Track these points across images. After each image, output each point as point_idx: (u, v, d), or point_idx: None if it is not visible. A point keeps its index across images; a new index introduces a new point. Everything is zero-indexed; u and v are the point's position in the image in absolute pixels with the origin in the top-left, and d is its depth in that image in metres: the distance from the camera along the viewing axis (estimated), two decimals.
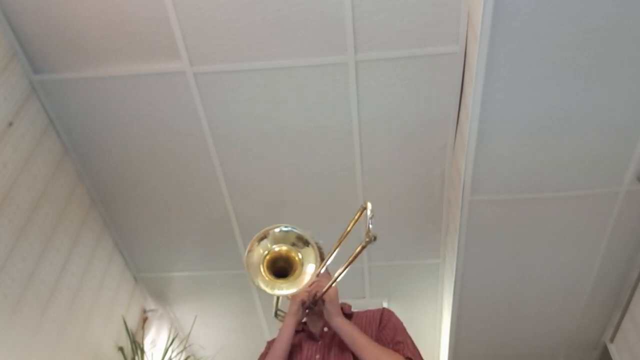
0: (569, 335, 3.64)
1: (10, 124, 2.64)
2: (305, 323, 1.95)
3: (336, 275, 1.79)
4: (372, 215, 1.69)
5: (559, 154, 2.59)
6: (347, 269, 1.76)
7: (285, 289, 1.84)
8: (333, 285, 1.82)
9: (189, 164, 3.12)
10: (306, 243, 1.87)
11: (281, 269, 1.88)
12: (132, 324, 3.66)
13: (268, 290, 1.83)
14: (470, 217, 2.87)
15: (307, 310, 1.87)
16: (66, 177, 3.08)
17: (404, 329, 1.87)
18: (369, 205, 1.73)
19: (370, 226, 1.64)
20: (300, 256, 1.87)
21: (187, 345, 4.03)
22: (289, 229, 1.89)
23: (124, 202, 3.35)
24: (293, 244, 1.88)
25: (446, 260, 3.54)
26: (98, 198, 3.32)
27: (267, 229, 1.90)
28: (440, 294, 3.86)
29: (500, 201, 2.80)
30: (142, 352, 3.52)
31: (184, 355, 3.83)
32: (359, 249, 1.67)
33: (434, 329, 4.14)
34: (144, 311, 3.89)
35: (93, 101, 2.87)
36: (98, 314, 3.28)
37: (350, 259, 1.72)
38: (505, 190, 2.76)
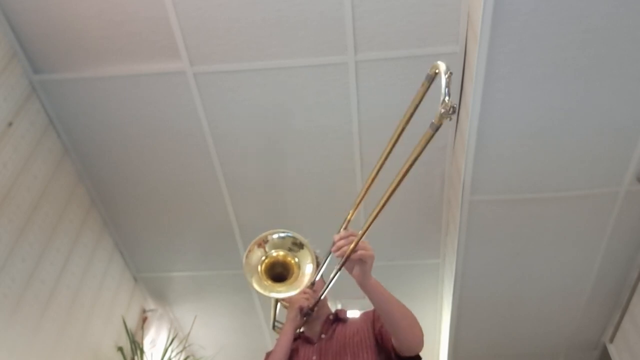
0: (569, 335, 3.64)
1: (10, 124, 2.64)
2: (302, 331, 1.96)
3: (369, 221, 1.49)
4: (450, 74, 1.19)
5: (559, 154, 2.59)
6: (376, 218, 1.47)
7: (284, 292, 1.84)
8: (367, 241, 1.56)
9: (189, 164, 3.12)
10: (301, 246, 1.88)
11: (279, 274, 1.89)
12: (132, 324, 3.65)
13: (266, 293, 1.84)
14: (470, 217, 2.87)
15: (305, 317, 1.88)
16: (66, 177, 3.08)
17: None
18: (442, 66, 1.20)
19: (447, 98, 1.16)
20: (297, 260, 1.88)
21: (186, 345, 4.03)
22: (286, 234, 1.90)
23: (124, 202, 3.35)
24: (289, 249, 1.89)
25: (446, 260, 3.54)
26: (98, 198, 3.32)
27: (265, 234, 1.90)
28: (440, 294, 3.86)
29: (500, 201, 2.80)
30: (142, 352, 3.52)
31: (183, 355, 3.83)
32: (431, 131, 1.26)
33: (434, 329, 4.14)
34: (144, 311, 3.89)
35: (93, 101, 2.87)
36: (98, 314, 3.28)
37: (387, 193, 1.43)
38: (505, 190, 2.76)
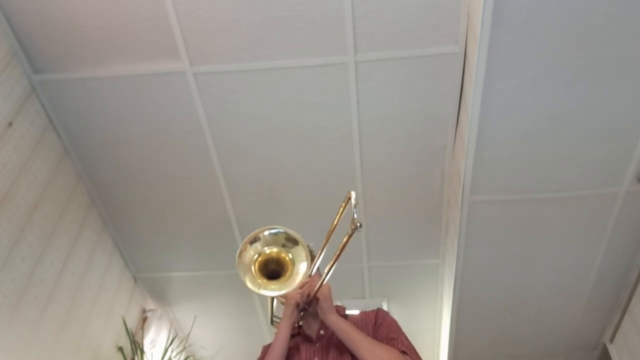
0: (569, 336, 3.64)
1: (10, 124, 2.64)
2: (300, 326, 1.95)
3: (327, 269, 1.79)
4: (356, 204, 1.73)
5: (559, 154, 2.59)
6: (337, 263, 1.77)
7: (278, 290, 1.84)
8: (325, 283, 1.83)
9: (188, 164, 3.12)
10: (295, 242, 1.87)
11: (273, 271, 1.88)
12: (132, 324, 3.66)
13: (260, 291, 1.84)
14: (470, 217, 2.87)
15: (301, 313, 1.87)
16: (66, 177, 3.08)
17: (398, 327, 1.89)
18: (353, 194, 1.76)
19: (355, 215, 1.65)
20: (290, 256, 1.87)
21: (186, 345, 4.03)
22: (277, 230, 1.89)
23: (124, 202, 3.35)
24: (283, 245, 1.88)
25: (446, 260, 3.54)
26: (98, 198, 3.32)
27: (257, 231, 1.90)
28: (440, 294, 3.86)
29: (500, 201, 2.80)
30: (142, 352, 3.52)
31: (183, 355, 3.83)
32: (345, 238, 1.68)
33: (433, 329, 4.14)
34: (144, 311, 3.89)
35: (93, 101, 2.87)
36: (98, 314, 3.28)
37: (338, 250, 1.72)
38: (505, 190, 2.76)
